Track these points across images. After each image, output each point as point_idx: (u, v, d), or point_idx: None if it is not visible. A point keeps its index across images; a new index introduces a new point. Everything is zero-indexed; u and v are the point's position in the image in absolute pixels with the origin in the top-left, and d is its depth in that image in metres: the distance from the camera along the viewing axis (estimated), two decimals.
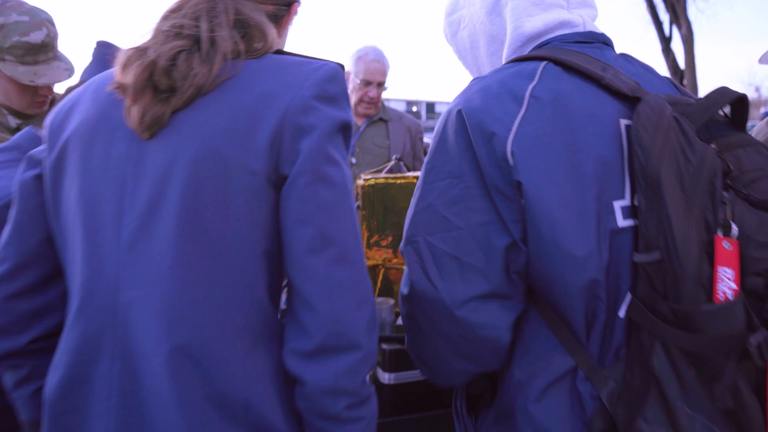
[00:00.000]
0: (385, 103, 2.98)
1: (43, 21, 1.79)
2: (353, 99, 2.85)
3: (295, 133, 0.79)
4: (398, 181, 1.66)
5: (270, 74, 0.82)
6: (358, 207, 1.70)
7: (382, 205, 1.66)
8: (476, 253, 0.86)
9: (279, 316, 0.86)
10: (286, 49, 0.97)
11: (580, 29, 0.99)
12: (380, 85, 2.79)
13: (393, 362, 1.41)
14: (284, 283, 0.87)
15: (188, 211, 0.77)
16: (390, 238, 1.68)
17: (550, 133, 0.84)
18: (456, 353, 0.92)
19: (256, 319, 0.81)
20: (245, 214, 0.78)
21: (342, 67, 0.86)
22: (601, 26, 1.03)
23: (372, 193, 1.65)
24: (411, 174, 1.70)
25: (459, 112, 0.89)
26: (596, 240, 0.82)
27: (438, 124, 0.93)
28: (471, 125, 0.87)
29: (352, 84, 2.83)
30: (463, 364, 0.93)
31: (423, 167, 0.94)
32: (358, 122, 2.91)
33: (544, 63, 0.91)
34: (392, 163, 1.70)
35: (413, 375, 1.42)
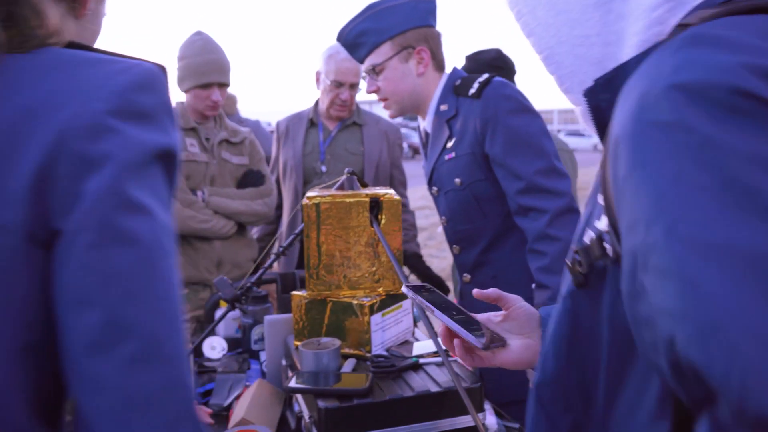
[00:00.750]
0: (361, 108, 2.73)
1: None
2: (324, 102, 2.60)
3: (76, 167, 0.53)
4: (348, 199, 1.41)
5: (44, 77, 0.56)
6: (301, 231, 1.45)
7: (330, 227, 1.41)
8: None
9: None
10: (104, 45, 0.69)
11: None
12: (353, 87, 2.54)
13: (329, 424, 1.16)
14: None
15: None
16: (339, 264, 1.42)
17: None
18: None
19: None
20: None
21: (163, 69, 0.60)
22: None
23: (316, 213, 1.40)
24: (365, 191, 1.44)
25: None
26: None
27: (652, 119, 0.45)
28: None
29: (323, 85, 2.58)
30: None
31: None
32: (330, 126, 2.66)
33: None
34: (344, 177, 1.45)
35: None
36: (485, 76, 1.71)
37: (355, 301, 1.38)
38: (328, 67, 2.55)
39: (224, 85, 2.44)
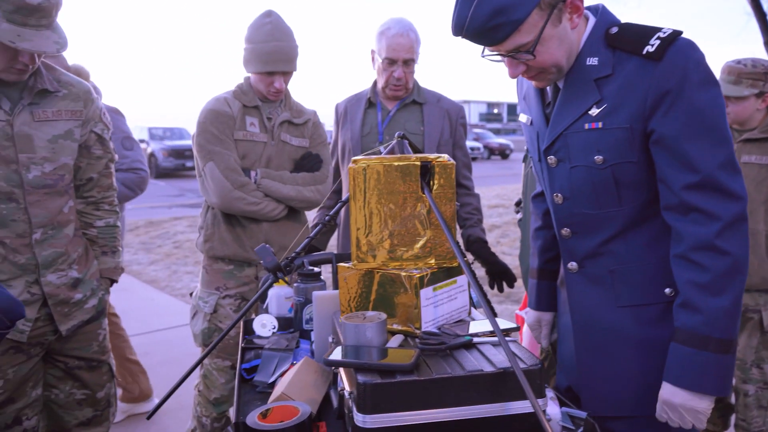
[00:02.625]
0: (420, 86, 2.61)
1: None
2: (380, 81, 2.50)
3: None
4: (397, 163, 1.30)
5: None
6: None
7: (377, 193, 1.30)
8: None
9: None
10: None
11: None
12: (407, 63, 2.43)
13: (369, 402, 1.05)
14: None
15: None
16: (386, 234, 1.31)
17: None
18: None
19: None
20: None
21: None
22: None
23: (362, 178, 1.30)
24: (416, 155, 1.33)
25: None
26: None
27: None
28: None
29: (377, 64, 2.48)
30: None
31: None
32: (388, 106, 2.56)
33: None
34: (394, 141, 1.35)
35: (399, 418, 1.06)
36: (667, 30, 1.32)
37: (403, 274, 1.27)
38: (380, 44, 2.45)
39: (289, 73, 2.38)
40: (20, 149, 1.75)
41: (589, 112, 1.37)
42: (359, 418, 1.06)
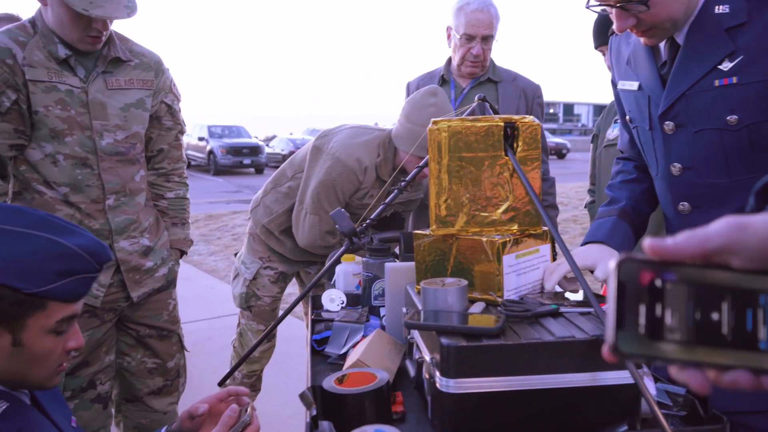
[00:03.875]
0: (496, 64, 2.54)
1: None
2: (456, 58, 2.45)
3: None
4: (479, 124, 1.24)
5: None
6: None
7: (457, 156, 1.25)
8: None
9: None
10: None
11: None
12: (486, 40, 2.36)
13: (454, 366, 1.00)
14: None
15: None
16: (467, 198, 1.26)
17: None
18: None
19: None
20: None
21: None
22: None
23: (443, 140, 1.25)
24: (498, 116, 1.27)
25: None
26: None
27: None
28: None
29: (453, 41, 2.43)
30: None
31: None
32: (462, 84, 2.50)
33: None
34: (474, 104, 1.29)
35: (485, 384, 1.00)
36: None
37: (485, 239, 1.22)
38: (458, 20, 2.39)
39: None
40: (94, 116, 1.78)
41: (720, 67, 1.21)
42: (442, 383, 1.01)
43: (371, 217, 1.45)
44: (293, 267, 2.47)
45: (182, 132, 2.06)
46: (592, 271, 1.33)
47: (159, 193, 2.04)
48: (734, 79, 1.20)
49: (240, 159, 19.08)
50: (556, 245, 1.26)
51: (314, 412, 1.02)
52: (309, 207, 2.24)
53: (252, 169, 19.75)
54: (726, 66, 1.20)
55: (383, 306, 1.74)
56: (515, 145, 1.25)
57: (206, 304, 5.15)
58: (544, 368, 1.01)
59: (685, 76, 1.25)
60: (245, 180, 17.41)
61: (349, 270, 1.97)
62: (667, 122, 1.30)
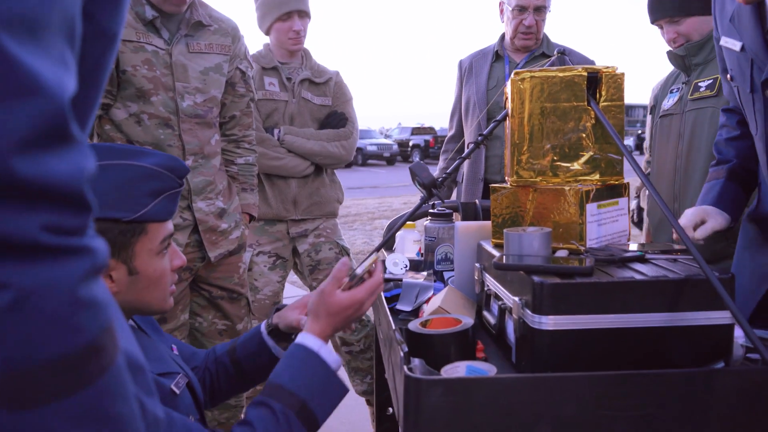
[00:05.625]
0: (550, 39, 2.53)
1: None
2: (509, 32, 2.45)
3: None
4: (561, 74, 1.25)
5: None
6: (506, 116, 1.31)
7: (539, 107, 1.26)
8: None
9: None
10: None
11: None
12: (538, 11, 2.36)
13: (548, 303, 1.01)
14: None
15: None
16: (548, 149, 1.26)
17: None
18: None
19: None
20: None
21: None
22: None
23: (524, 90, 1.26)
24: (580, 66, 1.27)
25: None
26: None
27: None
28: None
29: (506, 14, 2.43)
30: None
31: None
32: (516, 59, 2.50)
33: None
34: (554, 57, 1.30)
35: (578, 321, 1.01)
36: None
37: (567, 188, 1.22)
38: None
39: (305, 14, 2.39)
40: (177, 78, 1.83)
41: None
42: (535, 319, 1.01)
43: (449, 170, 1.46)
44: (280, 224, 2.44)
45: (253, 100, 2.09)
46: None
47: (230, 159, 2.08)
48: None
49: None
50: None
51: (406, 349, 1.03)
52: None
53: None
54: None
55: (446, 270, 1.75)
56: (598, 94, 1.25)
57: None
58: (637, 307, 1.01)
59: None
60: None
61: (408, 237, 1.99)
62: None
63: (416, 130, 25.99)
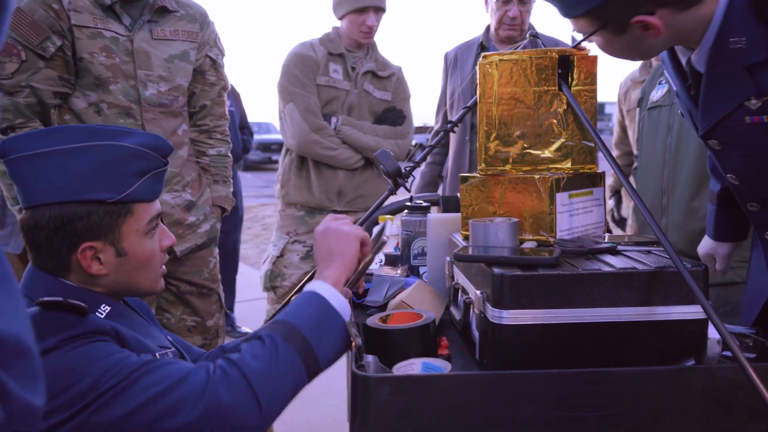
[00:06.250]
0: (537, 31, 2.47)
1: None
2: (493, 23, 2.39)
3: None
4: (531, 56, 1.19)
5: None
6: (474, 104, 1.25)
7: (508, 92, 1.20)
8: None
9: None
10: None
11: None
12: (524, 1, 2.30)
13: (509, 296, 0.94)
14: None
15: None
16: (518, 135, 1.20)
17: None
18: None
19: None
20: None
21: None
22: None
23: (492, 75, 1.20)
24: (556, 49, 1.21)
25: None
26: None
27: None
28: None
29: (490, 5, 2.37)
30: None
31: None
32: (502, 50, 2.44)
33: None
34: (525, 40, 1.24)
35: (541, 315, 0.95)
36: None
37: (537, 176, 1.16)
38: None
39: (380, 9, 2.36)
40: (139, 65, 1.76)
41: (747, 104, 1.03)
42: (495, 314, 0.95)
43: (416, 159, 1.41)
44: (320, 216, 2.42)
45: (225, 88, 2.03)
46: None
47: (201, 150, 2.02)
48: (765, 118, 1.04)
49: (269, 155, 19.19)
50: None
51: (360, 343, 0.97)
52: (281, 102, 2.38)
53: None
54: (754, 104, 1.03)
55: (423, 266, 1.69)
56: (570, 78, 1.19)
57: (237, 288, 5.17)
58: (604, 301, 0.95)
59: (715, 109, 1.08)
60: (274, 176, 17.52)
61: (386, 231, 1.93)
62: (711, 140, 1.15)
63: (419, 129, 25.96)
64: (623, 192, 2.59)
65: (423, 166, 2.72)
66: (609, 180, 2.84)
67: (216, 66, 1.97)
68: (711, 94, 1.09)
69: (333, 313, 0.97)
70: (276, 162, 19.06)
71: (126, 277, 1.03)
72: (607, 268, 0.97)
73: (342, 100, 2.38)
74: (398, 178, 1.22)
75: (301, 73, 2.34)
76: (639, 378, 0.90)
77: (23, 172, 0.98)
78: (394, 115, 2.45)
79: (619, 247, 1.09)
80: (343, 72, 2.40)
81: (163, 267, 1.11)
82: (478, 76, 1.22)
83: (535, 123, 1.20)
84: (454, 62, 2.54)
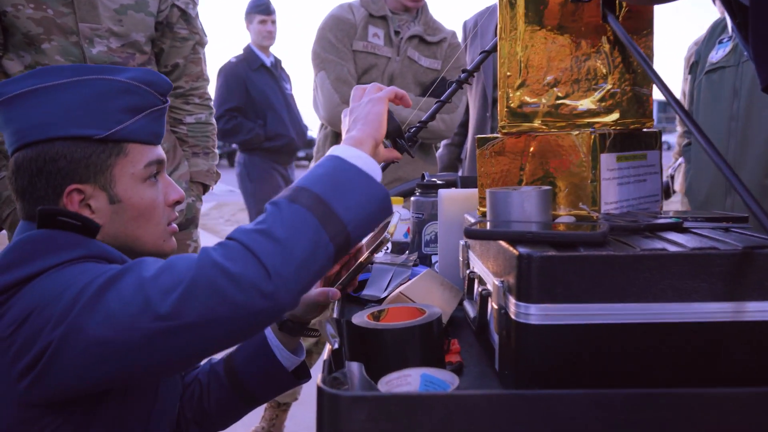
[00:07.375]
0: None
1: None
2: None
3: None
4: None
5: None
6: None
7: (537, 27, 0.93)
8: None
9: None
10: None
11: None
12: None
13: (542, 281, 0.68)
14: None
15: None
16: (549, 82, 0.94)
17: None
18: None
19: None
20: None
21: None
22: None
23: (517, 5, 0.93)
24: None
25: None
26: None
27: None
28: None
29: None
30: None
31: None
32: None
33: None
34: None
35: (582, 313, 0.68)
36: None
37: (575, 133, 0.90)
38: None
39: None
40: (81, 17, 1.50)
41: None
42: (521, 309, 0.70)
43: (424, 119, 1.15)
44: None
45: (201, 43, 1.78)
46: None
47: (177, 117, 1.76)
48: None
49: None
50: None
51: (336, 345, 0.72)
52: (314, 69, 2.13)
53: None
54: None
55: (436, 254, 1.44)
56: (619, 9, 0.92)
57: None
58: (672, 293, 0.69)
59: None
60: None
61: (396, 215, 1.68)
62: None
63: None
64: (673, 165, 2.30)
65: (441, 148, 2.45)
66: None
67: (187, 17, 1.70)
68: (761, 30, 0.80)
69: (351, 168, 0.80)
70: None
71: (124, 229, 0.93)
72: (674, 248, 0.70)
73: (382, 68, 2.10)
74: (398, 139, 0.97)
75: (336, 38, 2.07)
76: (723, 402, 0.64)
77: (9, 116, 0.90)
78: (444, 89, 2.18)
79: (686, 224, 0.82)
80: (384, 36, 2.11)
81: (174, 225, 1.00)
82: (499, 8, 0.96)
83: (574, 65, 0.93)
84: (473, 30, 2.28)
